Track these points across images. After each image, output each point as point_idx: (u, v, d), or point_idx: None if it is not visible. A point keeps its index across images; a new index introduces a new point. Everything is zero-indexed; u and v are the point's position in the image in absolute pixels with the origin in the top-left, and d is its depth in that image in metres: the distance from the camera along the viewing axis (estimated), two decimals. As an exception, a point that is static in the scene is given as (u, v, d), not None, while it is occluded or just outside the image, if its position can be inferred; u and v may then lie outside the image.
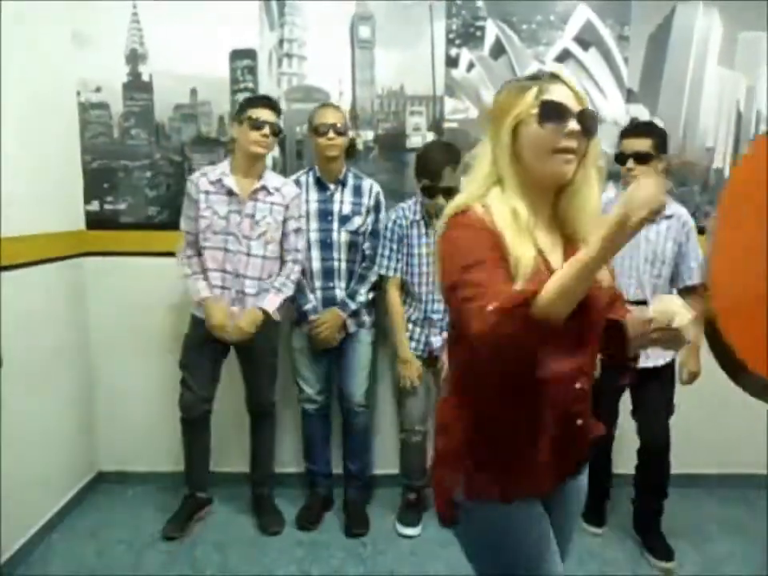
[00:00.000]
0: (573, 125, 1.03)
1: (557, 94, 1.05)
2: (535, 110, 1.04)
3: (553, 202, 1.12)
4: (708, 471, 2.80)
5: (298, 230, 2.33)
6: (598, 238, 0.87)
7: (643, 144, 2.15)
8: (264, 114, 2.21)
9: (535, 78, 1.09)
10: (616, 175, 2.60)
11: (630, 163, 2.16)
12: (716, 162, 2.70)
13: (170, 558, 2.25)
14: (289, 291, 2.32)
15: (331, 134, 2.28)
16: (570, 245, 1.12)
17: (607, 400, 2.38)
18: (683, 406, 2.69)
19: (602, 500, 2.49)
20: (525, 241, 1.03)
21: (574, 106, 1.05)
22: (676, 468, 2.77)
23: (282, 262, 2.35)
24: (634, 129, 2.27)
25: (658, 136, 2.19)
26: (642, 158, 2.15)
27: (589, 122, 1.04)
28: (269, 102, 2.27)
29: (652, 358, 2.22)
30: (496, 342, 0.92)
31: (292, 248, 2.33)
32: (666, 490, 2.34)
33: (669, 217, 2.23)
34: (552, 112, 1.03)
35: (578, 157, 1.06)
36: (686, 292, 2.23)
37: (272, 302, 2.29)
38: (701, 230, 2.68)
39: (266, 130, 2.21)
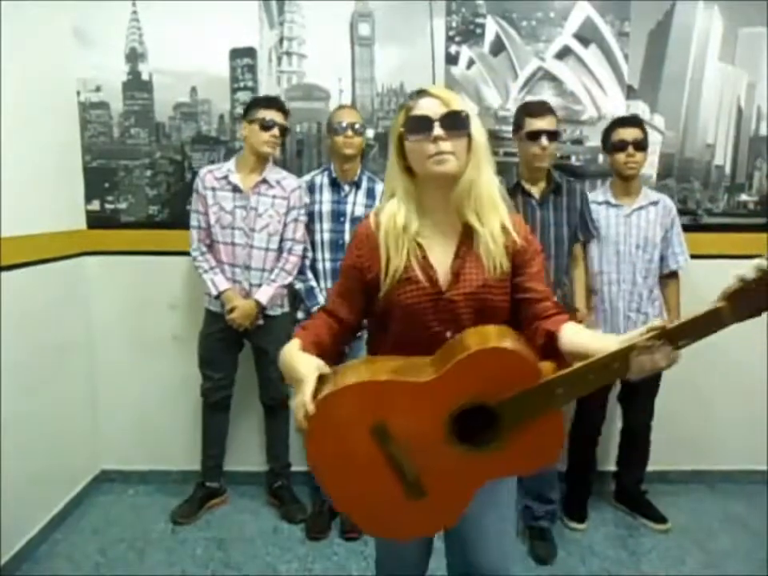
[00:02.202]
0: (435, 131, 1.14)
1: (421, 107, 1.18)
2: (404, 129, 1.19)
3: (451, 196, 1.20)
4: (709, 467, 2.80)
5: (296, 220, 2.38)
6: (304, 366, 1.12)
7: (640, 134, 2.30)
8: (274, 116, 2.28)
9: (409, 97, 1.24)
10: (602, 175, 2.60)
11: (631, 149, 2.27)
12: (717, 159, 2.69)
13: (172, 556, 2.26)
14: (283, 281, 2.37)
15: (349, 133, 2.31)
16: (467, 235, 1.22)
17: (594, 399, 2.43)
18: (685, 403, 2.71)
19: (584, 496, 2.53)
20: (399, 247, 1.19)
21: (439, 111, 1.15)
22: (678, 465, 2.79)
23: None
24: (631, 119, 2.39)
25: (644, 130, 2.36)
26: (641, 146, 2.29)
27: (452, 121, 1.15)
28: (278, 104, 2.35)
29: None
30: None
31: (289, 237, 2.37)
32: (647, 461, 2.54)
33: (655, 203, 2.37)
34: (413, 126, 1.17)
35: (458, 153, 1.16)
36: (669, 277, 2.41)
37: (264, 293, 2.34)
38: (702, 227, 2.70)
39: (276, 131, 2.28)
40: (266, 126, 2.26)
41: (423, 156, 1.16)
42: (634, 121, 2.36)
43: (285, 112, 2.35)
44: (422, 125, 1.16)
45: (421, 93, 1.21)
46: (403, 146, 1.21)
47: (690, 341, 1.02)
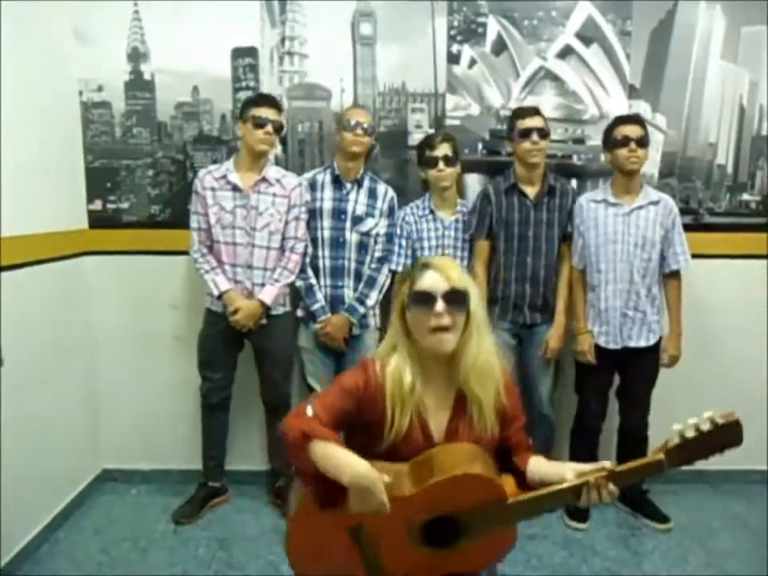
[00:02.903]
0: (438, 307, 1.23)
1: (426, 281, 1.26)
2: (408, 300, 1.28)
3: (450, 360, 1.29)
4: (710, 467, 2.78)
5: (297, 218, 2.38)
6: (352, 471, 1.15)
7: (642, 131, 2.32)
8: (266, 113, 2.28)
9: (414, 266, 1.35)
10: (604, 174, 2.61)
11: (633, 145, 2.28)
12: (719, 158, 2.69)
13: (174, 555, 2.26)
14: (286, 279, 2.37)
15: (359, 131, 2.33)
16: (461, 399, 1.31)
17: (596, 397, 2.49)
18: (685, 403, 2.70)
19: None
20: (405, 410, 1.26)
21: (442, 288, 1.24)
22: (679, 464, 2.78)
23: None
24: (633, 117, 2.41)
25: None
26: (643, 143, 2.31)
27: (453, 299, 1.24)
28: (270, 101, 2.34)
29: (635, 338, 2.38)
30: (286, 440, 1.22)
31: (291, 236, 2.37)
32: None
33: (656, 202, 2.37)
34: (418, 300, 1.25)
35: (456, 327, 1.25)
36: (671, 276, 2.40)
37: (268, 293, 2.34)
38: (704, 227, 2.70)
39: (269, 127, 2.28)
40: (258, 124, 2.26)
41: (424, 329, 1.25)
42: (635, 119, 2.37)
43: (278, 108, 2.34)
44: (425, 300, 1.24)
45: (425, 266, 1.29)
46: (404, 312, 1.30)
47: (631, 482, 1.23)
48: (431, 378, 1.31)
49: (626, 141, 2.28)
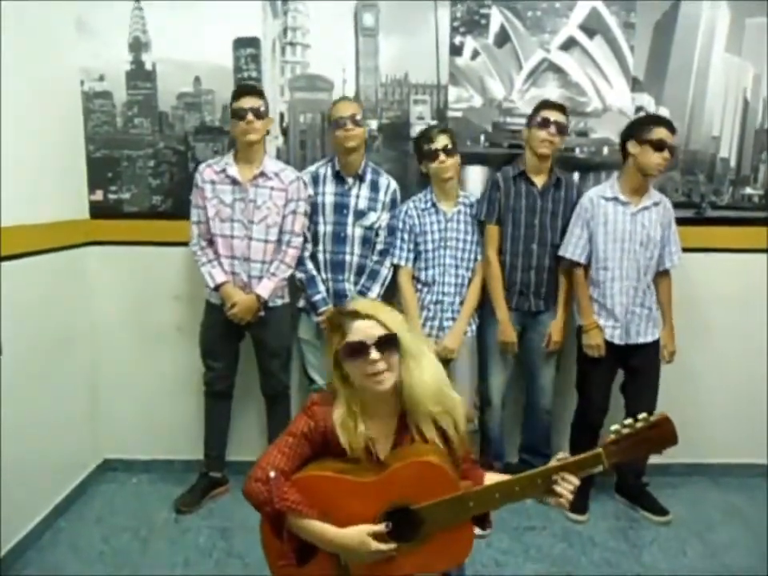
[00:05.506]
0: (372, 355, 1.26)
1: (356, 332, 1.29)
2: (341, 351, 1.31)
3: (391, 392, 1.33)
4: (710, 461, 2.80)
5: (294, 212, 2.37)
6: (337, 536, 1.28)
7: (673, 137, 2.28)
8: (244, 102, 2.27)
9: (341, 313, 1.36)
10: (606, 167, 2.62)
11: (666, 153, 2.25)
12: (722, 151, 2.68)
13: (175, 544, 2.27)
14: (283, 273, 2.37)
15: (350, 125, 2.31)
16: (403, 421, 1.36)
17: (600, 391, 2.48)
18: (686, 397, 2.70)
19: (585, 487, 2.52)
20: (357, 449, 1.32)
21: (373, 336, 1.27)
22: (679, 457, 2.79)
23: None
24: (671, 123, 2.31)
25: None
26: (672, 151, 2.29)
27: (386, 344, 1.28)
28: (248, 89, 2.34)
29: (642, 334, 2.40)
30: (248, 496, 1.36)
31: (287, 230, 2.38)
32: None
33: (657, 203, 2.39)
34: (350, 352, 1.29)
35: (392, 367, 1.29)
36: (663, 274, 2.44)
37: (265, 287, 2.35)
38: (706, 221, 2.69)
39: (249, 116, 2.26)
40: (239, 116, 2.27)
41: (362, 375, 1.29)
42: (672, 125, 2.29)
43: (258, 94, 2.33)
44: (358, 350, 1.28)
45: (352, 315, 1.31)
46: (338, 359, 1.33)
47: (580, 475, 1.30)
48: (375, 413, 1.36)
49: (662, 145, 2.23)
